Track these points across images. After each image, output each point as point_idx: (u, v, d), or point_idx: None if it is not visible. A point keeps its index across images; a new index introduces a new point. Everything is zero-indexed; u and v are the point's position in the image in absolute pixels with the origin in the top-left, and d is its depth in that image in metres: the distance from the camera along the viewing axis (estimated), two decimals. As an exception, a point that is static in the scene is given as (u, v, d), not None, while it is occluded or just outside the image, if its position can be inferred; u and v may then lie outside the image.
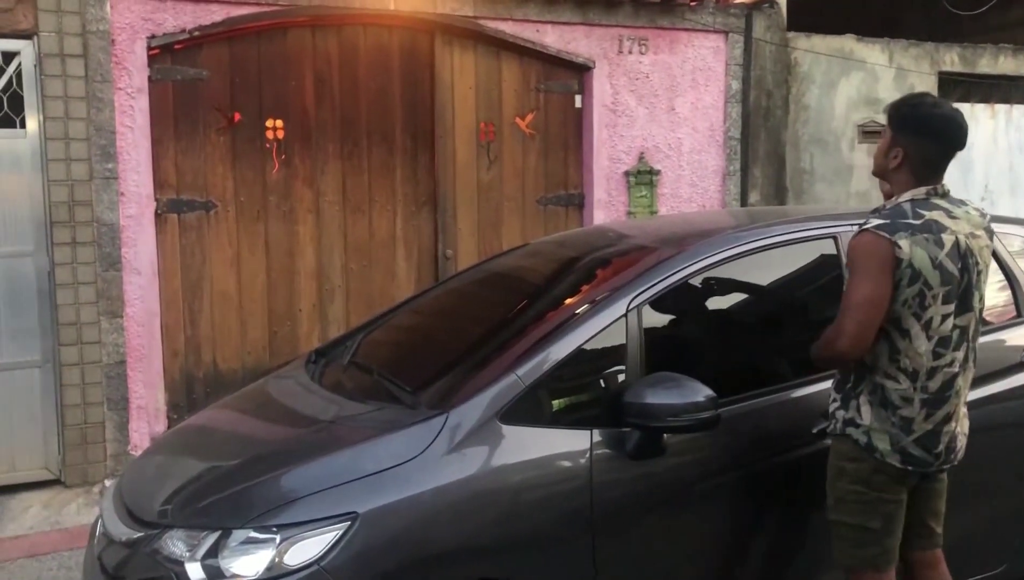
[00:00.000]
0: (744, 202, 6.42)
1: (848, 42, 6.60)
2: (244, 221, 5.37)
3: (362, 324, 3.80)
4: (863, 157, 6.68)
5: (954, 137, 2.62)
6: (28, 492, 4.84)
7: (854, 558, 2.65)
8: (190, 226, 5.25)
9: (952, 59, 6.90)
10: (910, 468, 2.59)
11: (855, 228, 2.71)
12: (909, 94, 2.92)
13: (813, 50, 6.46)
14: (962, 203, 2.66)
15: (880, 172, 2.72)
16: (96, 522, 2.91)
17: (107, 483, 4.81)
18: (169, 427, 5.03)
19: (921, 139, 2.59)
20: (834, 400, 2.71)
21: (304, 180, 5.50)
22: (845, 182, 6.68)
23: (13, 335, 4.84)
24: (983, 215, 2.70)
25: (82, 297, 4.89)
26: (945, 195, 2.63)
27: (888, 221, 2.54)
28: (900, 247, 2.49)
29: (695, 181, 6.37)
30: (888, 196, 2.71)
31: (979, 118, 7.05)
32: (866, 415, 2.59)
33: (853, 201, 6.66)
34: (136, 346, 5.08)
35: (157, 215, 5.12)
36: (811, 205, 6.42)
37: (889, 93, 6.72)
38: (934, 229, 2.53)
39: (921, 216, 2.55)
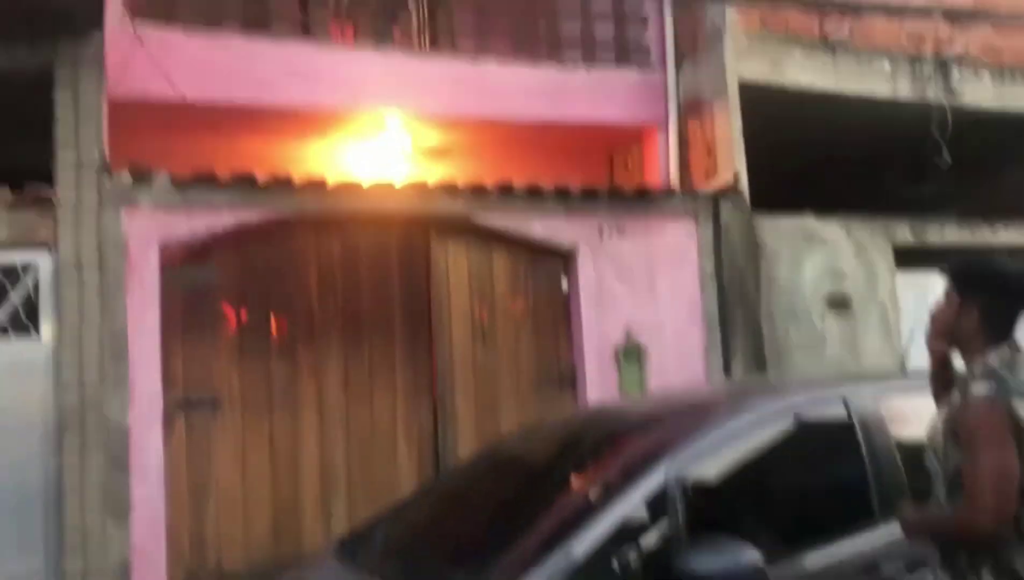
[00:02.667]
0: (728, 374, 6.67)
1: (808, 221, 7.09)
2: (249, 417, 5.45)
3: (385, 512, 3.85)
4: (833, 326, 7.04)
5: None
6: None
7: None
8: (196, 424, 5.31)
9: (904, 233, 7.43)
10: None
11: (862, 393, 2.89)
12: (968, 257, 3.02)
13: (777, 230, 6.92)
14: None
15: (946, 334, 2.72)
16: None
17: None
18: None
19: (995, 297, 2.63)
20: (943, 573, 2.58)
21: (307, 374, 5.63)
22: (819, 351, 7.00)
23: (18, 544, 4.75)
24: None
25: (88, 502, 4.86)
26: (1020, 350, 2.62)
27: (994, 384, 2.49)
28: (1018, 411, 2.44)
29: (681, 355, 6.63)
30: (941, 360, 2.76)
31: (932, 285, 7.50)
32: None
33: (829, 368, 6.95)
34: (141, 549, 5.00)
35: (165, 415, 5.18)
36: (795, 375, 6.68)
37: (850, 265, 7.18)
38: None
39: (1018, 376, 2.52)
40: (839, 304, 7.09)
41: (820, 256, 7.09)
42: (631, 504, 2.89)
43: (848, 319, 7.09)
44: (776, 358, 6.86)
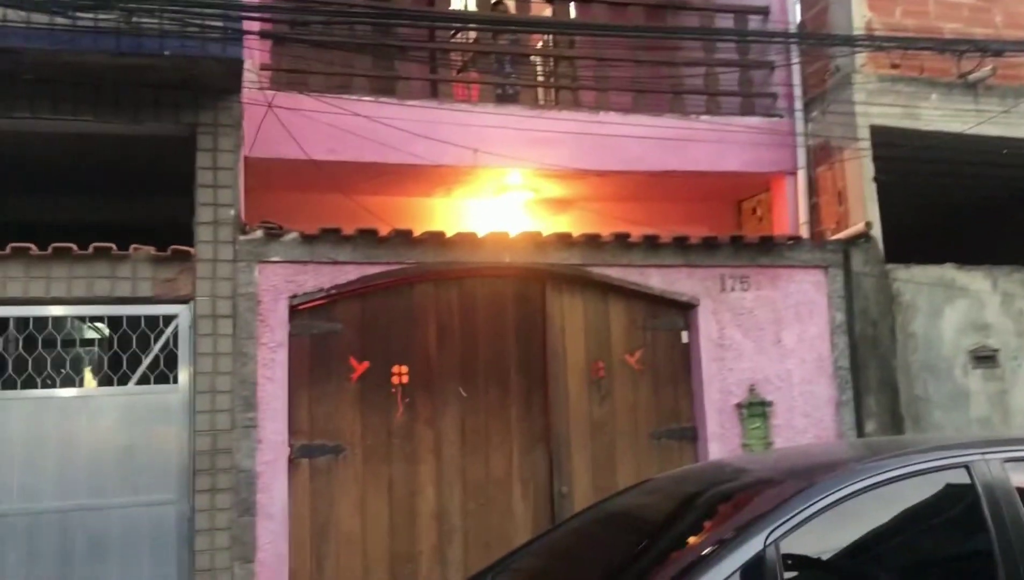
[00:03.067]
0: (860, 431, 6.35)
1: (948, 271, 6.73)
2: (370, 464, 5.60)
3: (489, 566, 3.86)
4: (979, 383, 6.61)
5: None
6: None
7: None
8: (320, 470, 5.50)
9: (1057, 283, 6.92)
10: None
11: (988, 458, 2.71)
12: None
13: (913, 280, 6.59)
14: None
15: None
16: None
17: None
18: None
19: None
20: None
21: (425, 422, 5.75)
22: (963, 408, 6.57)
23: (152, 580, 5.04)
24: None
25: (217, 543, 5.11)
26: None
27: None
28: None
29: (808, 411, 6.37)
30: None
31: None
32: None
33: (975, 427, 6.52)
34: (265, 590, 5.19)
35: (290, 461, 5.40)
36: (932, 434, 6.30)
37: (997, 318, 6.74)
38: None
39: None
40: (985, 359, 6.66)
41: (962, 308, 6.70)
42: (724, 573, 2.79)
43: (995, 375, 6.64)
44: (914, 416, 6.49)
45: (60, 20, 4.64)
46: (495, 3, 7.76)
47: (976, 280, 6.77)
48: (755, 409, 6.27)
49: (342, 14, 5.54)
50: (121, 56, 4.80)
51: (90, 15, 4.68)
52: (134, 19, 4.71)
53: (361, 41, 6.39)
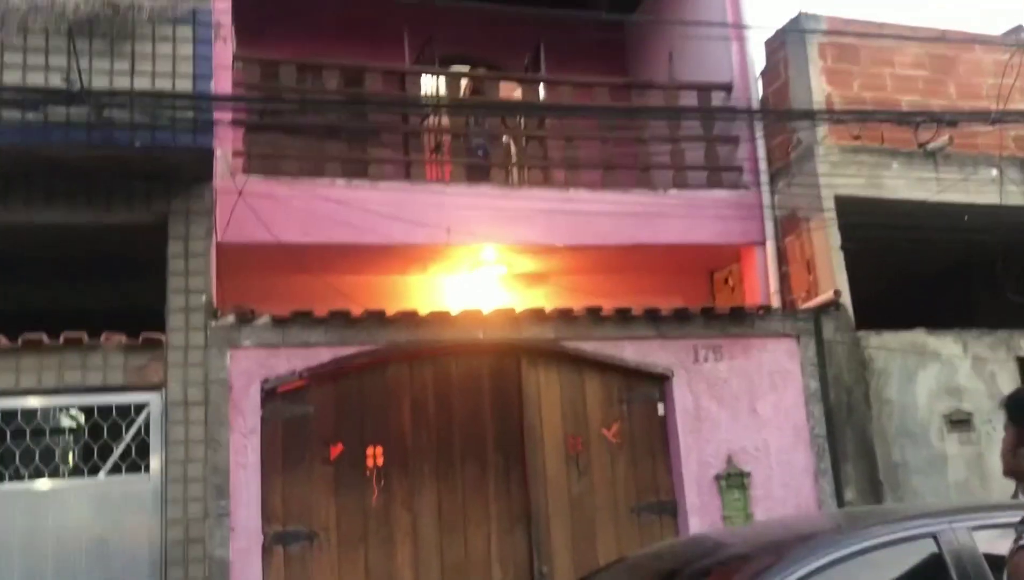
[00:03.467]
0: (840, 499, 6.33)
1: (919, 336, 6.79)
2: (346, 548, 5.52)
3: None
4: (955, 447, 6.63)
5: None
6: None
7: None
8: (294, 557, 5.42)
9: (1028, 344, 7.00)
10: None
11: (955, 526, 2.71)
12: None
13: (885, 346, 6.65)
14: None
15: (1011, 472, 2.56)
16: None
17: None
18: None
19: None
20: None
21: (402, 503, 5.69)
22: (941, 473, 6.57)
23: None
24: None
25: (190, 635, 5.00)
26: None
27: None
28: None
29: (787, 481, 6.36)
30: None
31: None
32: None
33: (953, 492, 6.50)
34: None
35: (264, 549, 5.32)
36: (910, 502, 6.28)
37: (969, 382, 6.79)
38: None
39: None
40: (960, 423, 6.69)
41: (935, 372, 6.75)
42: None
43: (970, 439, 6.67)
44: (893, 482, 6.48)
45: (32, 115, 4.72)
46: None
47: (947, 344, 6.84)
48: (734, 480, 6.24)
49: (313, 102, 5.66)
50: (93, 149, 4.88)
51: (61, 108, 4.77)
52: (105, 113, 4.80)
53: (332, 125, 6.51)
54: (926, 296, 7.77)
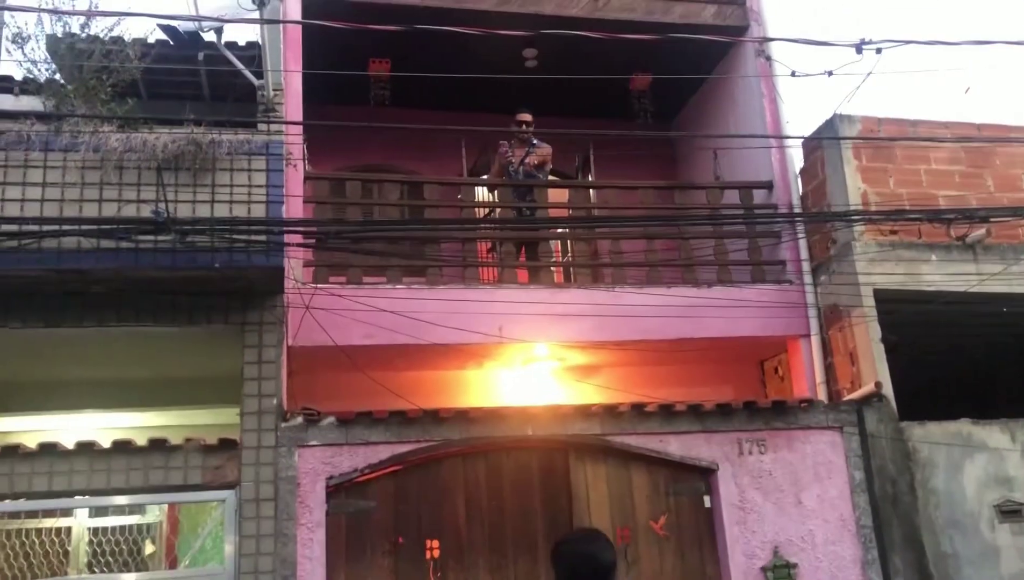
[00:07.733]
0: (889, 591, 6.41)
1: (964, 426, 6.88)
2: (404, 638, 5.84)
3: None
4: (1007, 538, 6.65)
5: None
6: None
7: None
8: (356, 645, 5.76)
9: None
10: None
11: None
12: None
13: (929, 438, 6.76)
14: None
15: None
16: None
17: None
18: None
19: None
20: None
21: (458, 594, 6.01)
22: (993, 565, 6.58)
23: None
24: None
25: None
26: None
27: None
28: None
29: (834, 572, 6.47)
30: None
31: None
32: None
33: (1005, 584, 6.52)
34: None
35: (328, 637, 5.68)
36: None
37: (1020, 471, 6.83)
38: None
39: None
40: (1011, 514, 6.72)
41: (982, 462, 6.82)
42: None
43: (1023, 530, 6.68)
44: (944, 573, 6.53)
45: (125, 244, 5.33)
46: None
47: (994, 434, 6.91)
48: (780, 572, 6.38)
49: (374, 223, 6.18)
50: (177, 270, 5.46)
51: (150, 237, 5.37)
52: (188, 238, 5.39)
53: (393, 237, 7.04)
54: (972, 385, 7.83)
